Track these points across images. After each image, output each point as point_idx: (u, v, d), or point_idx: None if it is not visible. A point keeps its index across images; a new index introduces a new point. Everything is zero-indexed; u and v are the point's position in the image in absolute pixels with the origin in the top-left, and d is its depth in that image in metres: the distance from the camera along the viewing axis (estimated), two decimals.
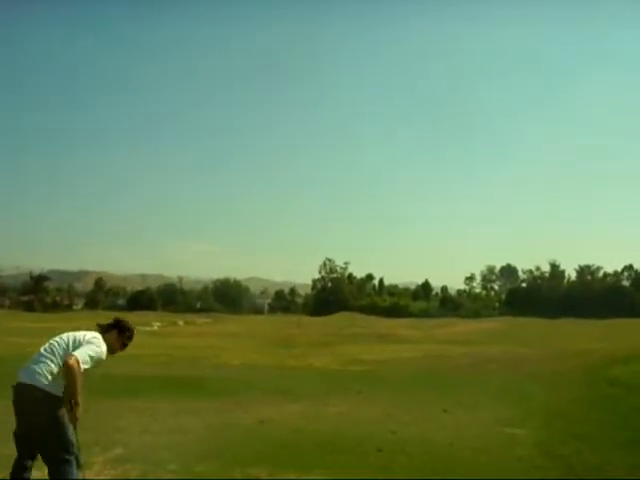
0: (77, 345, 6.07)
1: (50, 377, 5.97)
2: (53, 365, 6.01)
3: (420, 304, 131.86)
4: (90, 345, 6.07)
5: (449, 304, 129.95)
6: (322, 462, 8.75)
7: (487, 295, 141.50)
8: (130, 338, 6.34)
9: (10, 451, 9.02)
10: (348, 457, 9.15)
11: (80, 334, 6.20)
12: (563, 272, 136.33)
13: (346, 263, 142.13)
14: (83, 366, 5.90)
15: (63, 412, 5.96)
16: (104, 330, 6.27)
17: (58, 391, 5.96)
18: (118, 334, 6.21)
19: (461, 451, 9.80)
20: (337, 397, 16.39)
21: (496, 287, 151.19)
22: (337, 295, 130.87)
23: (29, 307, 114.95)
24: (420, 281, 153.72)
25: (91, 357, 5.98)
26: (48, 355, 6.06)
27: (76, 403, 5.93)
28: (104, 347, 6.11)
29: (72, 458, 5.99)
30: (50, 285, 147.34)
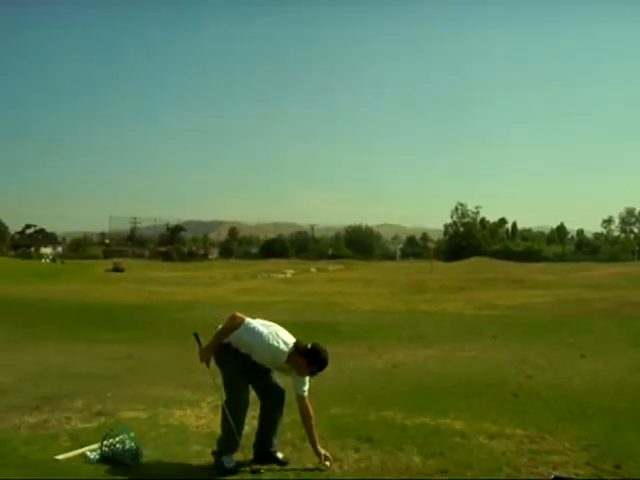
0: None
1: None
2: None
3: (555, 248, 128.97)
4: (270, 329, 6.24)
5: (585, 248, 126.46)
6: (456, 406, 8.73)
7: (626, 238, 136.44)
8: (319, 370, 6.18)
9: (159, 392, 9.50)
10: (482, 401, 9.10)
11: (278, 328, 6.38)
12: None
13: (478, 207, 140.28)
14: (242, 329, 6.11)
15: (224, 357, 6.27)
16: (299, 351, 6.15)
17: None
18: (307, 362, 6.11)
19: (599, 397, 9.57)
20: (471, 342, 16.31)
21: (635, 230, 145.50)
22: (469, 240, 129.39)
23: (167, 257, 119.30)
24: (555, 225, 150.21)
25: (254, 328, 6.14)
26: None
27: (211, 346, 6.26)
28: (275, 345, 6.11)
29: (231, 402, 6.21)
30: (186, 235, 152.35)
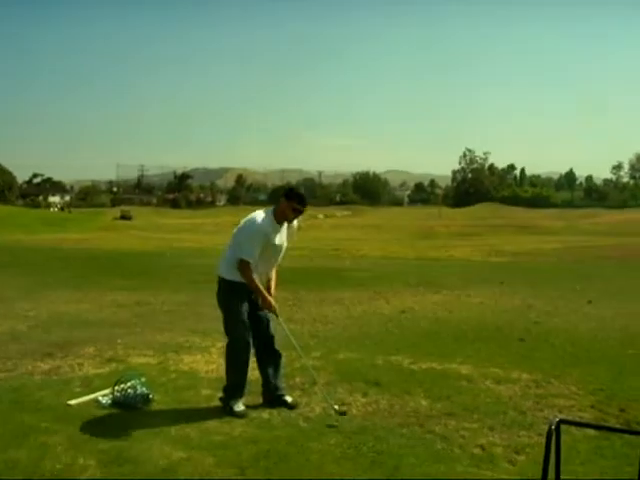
0: (237, 234, 6.31)
1: (223, 262, 6.35)
2: (226, 252, 6.39)
3: (563, 194, 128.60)
4: (240, 236, 6.21)
5: (594, 194, 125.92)
6: (464, 351, 8.82)
7: (635, 185, 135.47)
8: (300, 204, 6.22)
9: (169, 338, 9.62)
10: (490, 346, 9.18)
11: (242, 221, 6.35)
12: None
13: (486, 153, 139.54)
14: (248, 259, 6.06)
15: (231, 296, 6.25)
16: (279, 197, 6.30)
17: (227, 274, 6.26)
18: (287, 201, 6.18)
19: (606, 342, 9.64)
20: (478, 288, 16.36)
21: None
22: (477, 186, 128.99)
23: (174, 204, 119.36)
24: (564, 171, 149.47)
25: (247, 247, 6.08)
26: (229, 244, 6.40)
27: (258, 297, 6.24)
28: (257, 224, 6.13)
29: (236, 344, 6.26)
30: (193, 183, 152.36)
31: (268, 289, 6.41)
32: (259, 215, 6.23)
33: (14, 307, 12.52)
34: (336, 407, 6.21)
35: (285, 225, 6.33)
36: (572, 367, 8.01)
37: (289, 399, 6.44)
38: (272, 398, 6.42)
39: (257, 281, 6.15)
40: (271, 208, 6.32)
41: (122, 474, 4.68)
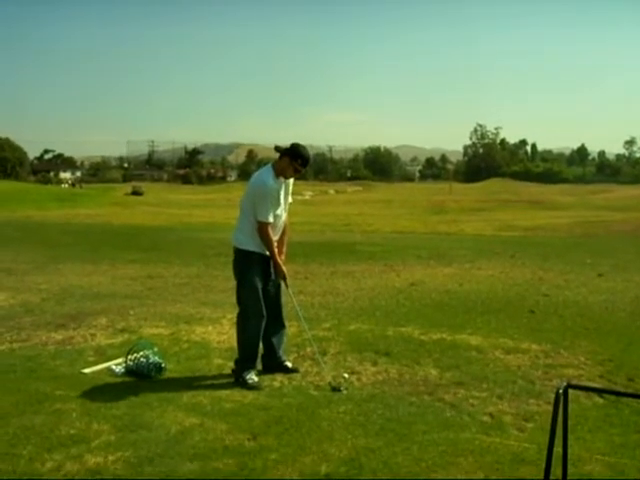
0: (247, 200, 6.29)
1: (237, 233, 6.37)
2: (239, 222, 6.40)
3: (575, 170, 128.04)
4: (254, 200, 6.18)
5: (606, 169, 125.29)
6: (474, 322, 8.86)
7: None
8: (303, 165, 6.21)
9: (180, 310, 9.66)
10: (499, 318, 9.21)
11: (248, 186, 6.33)
12: None
13: (497, 128, 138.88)
14: (266, 221, 6.11)
15: (246, 265, 6.27)
16: (280, 155, 6.26)
17: (242, 244, 6.29)
18: (290, 160, 6.16)
19: (615, 314, 9.66)
20: (489, 261, 16.36)
21: None
22: (489, 161, 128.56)
23: (185, 180, 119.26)
24: (575, 146, 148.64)
25: (263, 209, 6.11)
26: (239, 214, 6.40)
27: (274, 263, 6.29)
28: (266, 184, 6.14)
29: (249, 314, 6.28)
30: (204, 158, 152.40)
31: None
32: (262, 175, 6.25)
33: (26, 281, 12.60)
34: (346, 375, 6.29)
35: (282, 181, 6.31)
36: (581, 338, 8.05)
37: (289, 364, 6.58)
38: (274, 365, 6.52)
39: (274, 246, 6.20)
40: (269, 165, 6.32)
41: (135, 439, 4.76)
